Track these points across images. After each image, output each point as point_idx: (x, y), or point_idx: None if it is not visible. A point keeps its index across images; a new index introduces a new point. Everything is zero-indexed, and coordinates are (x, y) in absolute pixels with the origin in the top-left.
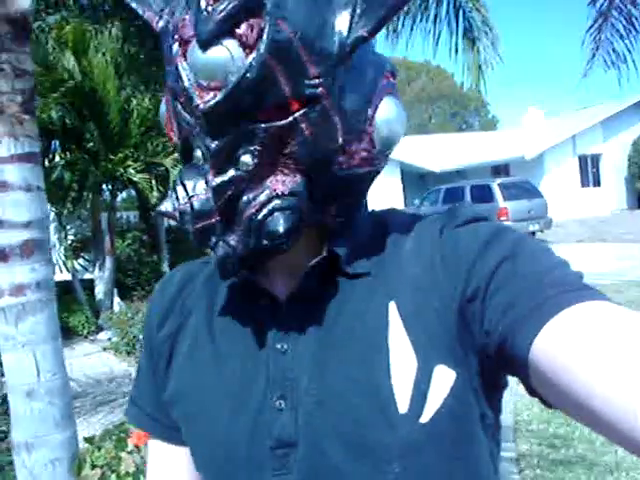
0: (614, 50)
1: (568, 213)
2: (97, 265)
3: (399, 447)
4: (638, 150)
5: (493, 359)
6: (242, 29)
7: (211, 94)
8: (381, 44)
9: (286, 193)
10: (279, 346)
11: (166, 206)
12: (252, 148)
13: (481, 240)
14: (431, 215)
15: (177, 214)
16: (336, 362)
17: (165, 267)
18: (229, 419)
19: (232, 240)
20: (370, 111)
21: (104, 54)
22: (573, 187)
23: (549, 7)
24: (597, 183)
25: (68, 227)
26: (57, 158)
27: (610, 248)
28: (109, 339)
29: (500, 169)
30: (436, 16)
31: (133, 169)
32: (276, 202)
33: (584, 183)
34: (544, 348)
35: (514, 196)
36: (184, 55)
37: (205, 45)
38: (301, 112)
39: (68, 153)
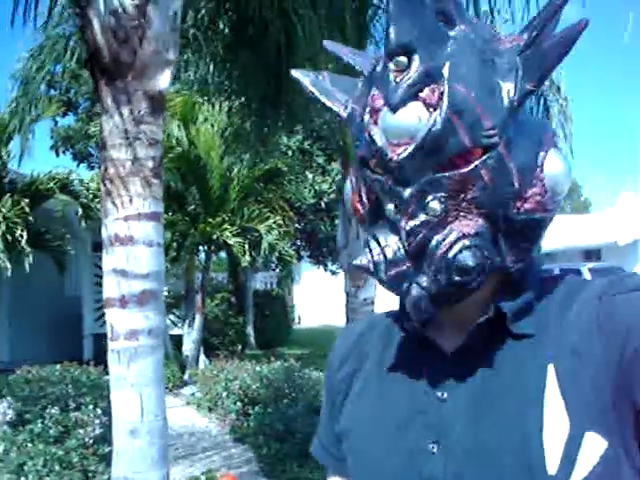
0: None
1: None
2: (187, 322)
3: None
4: None
5: None
6: (425, 93)
7: (402, 148)
8: None
9: (472, 233)
10: (439, 394)
11: (361, 261)
12: (439, 195)
13: (636, 309)
14: (595, 281)
15: (371, 266)
16: (490, 416)
17: (249, 330)
18: (384, 455)
19: (424, 282)
20: (540, 159)
21: (212, 125)
22: None
23: None
24: None
25: None
26: None
27: None
28: (192, 394)
29: (592, 253)
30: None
31: (229, 232)
32: (464, 241)
33: None
34: None
35: None
36: (375, 122)
37: (395, 109)
38: (480, 160)
39: (170, 214)
